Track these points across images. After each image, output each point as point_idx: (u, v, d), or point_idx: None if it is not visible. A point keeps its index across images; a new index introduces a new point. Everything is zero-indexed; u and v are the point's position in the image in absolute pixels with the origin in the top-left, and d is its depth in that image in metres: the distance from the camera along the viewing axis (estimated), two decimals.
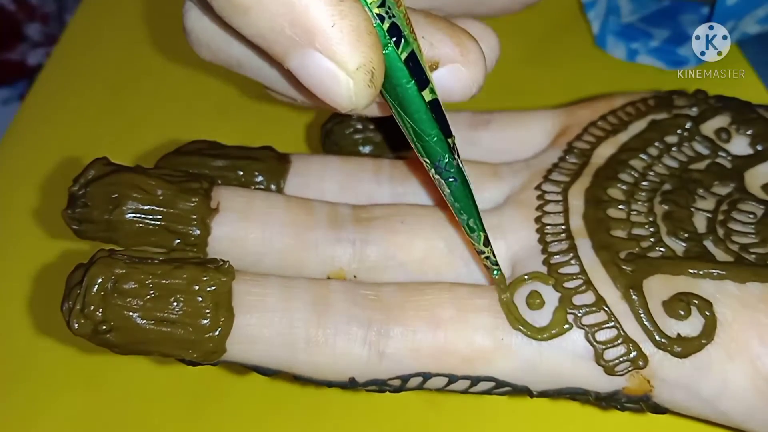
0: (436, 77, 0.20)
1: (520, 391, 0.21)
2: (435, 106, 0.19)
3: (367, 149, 0.28)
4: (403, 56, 0.18)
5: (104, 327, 0.19)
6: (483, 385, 0.21)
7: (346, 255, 0.23)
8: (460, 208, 0.20)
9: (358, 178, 0.25)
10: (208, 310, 0.20)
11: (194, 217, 0.22)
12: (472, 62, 0.20)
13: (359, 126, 0.28)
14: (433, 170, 0.20)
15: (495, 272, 0.21)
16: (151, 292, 0.20)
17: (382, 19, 0.17)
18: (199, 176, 0.23)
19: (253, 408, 0.27)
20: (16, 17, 0.64)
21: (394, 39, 0.18)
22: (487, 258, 0.21)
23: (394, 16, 0.17)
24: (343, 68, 0.17)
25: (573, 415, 0.26)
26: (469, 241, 0.21)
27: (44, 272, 0.32)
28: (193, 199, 0.22)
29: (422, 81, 0.18)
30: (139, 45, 0.41)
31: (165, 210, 0.22)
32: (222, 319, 0.20)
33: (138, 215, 0.22)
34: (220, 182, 0.24)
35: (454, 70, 0.20)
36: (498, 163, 0.25)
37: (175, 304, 0.20)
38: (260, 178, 0.25)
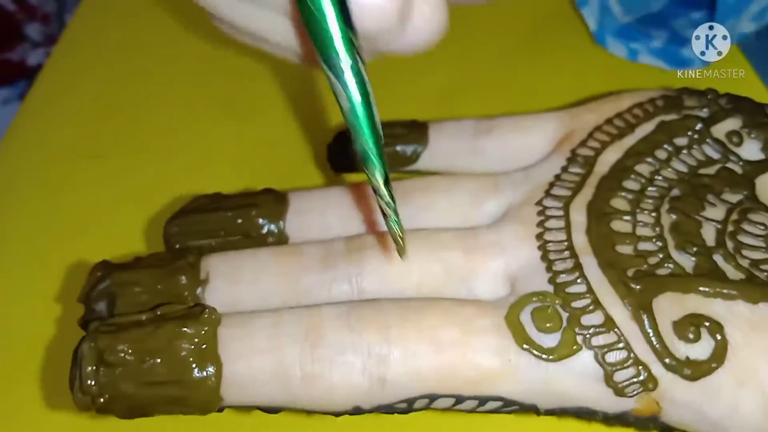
0: None
1: (527, 409, 0.21)
2: None
3: None
4: None
5: (101, 399, 0.19)
6: (491, 405, 0.20)
7: (344, 292, 0.22)
8: (359, 126, 0.18)
9: (359, 206, 0.24)
10: (194, 365, 0.19)
11: (186, 293, 0.22)
12: None
13: None
14: (330, 72, 0.18)
15: (393, 222, 0.19)
16: (135, 357, 0.20)
17: None
18: (185, 251, 0.23)
19: None
20: (16, 17, 0.64)
21: None
22: (386, 203, 0.19)
23: None
24: None
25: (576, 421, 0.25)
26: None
27: (44, 268, 0.32)
28: (182, 278, 0.22)
29: None
30: (138, 45, 0.41)
31: (160, 296, 0.22)
32: (210, 371, 0.20)
33: (136, 307, 0.22)
34: (218, 240, 0.24)
35: None
36: (499, 173, 0.25)
37: (160, 365, 0.19)
38: (261, 222, 0.25)
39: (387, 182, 0.19)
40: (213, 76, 0.39)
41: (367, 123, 0.18)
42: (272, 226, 0.25)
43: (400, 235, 0.20)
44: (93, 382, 0.19)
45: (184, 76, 0.39)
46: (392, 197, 0.19)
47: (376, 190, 0.19)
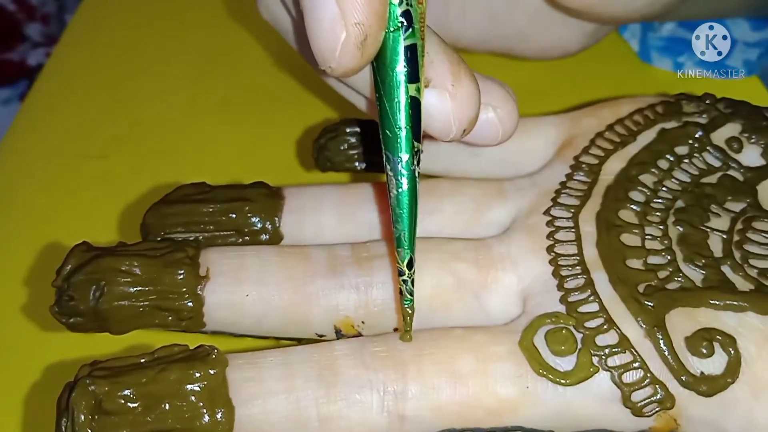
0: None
1: None
2: (415, 106, 0.19)
3: (363, 165, 0.27)
4: (406, 43, 0.18)
5: None
6: None
7: (351, 302, 0.21)
8: (399, 215, 0.19)
9: (355, 207, 0.24)
10: (204, 409, 0.18)
11: (184, 289, 0.21)
12: (460, 98, 0.20)
13: (353, 141, 0.27)
14: (389, 165, 0.19)
15: (407, 301, 0.20)
16: (140, 403, 0.18)
17: (399, 1, 0.18)
18: (183, 244, 0.22)
19: None
20: (16, 17, 0.64)
21: (404, 24, 0.18)
22: (405, 282, 0.20)
23: (411, 5, 0.18)
24: (343, 19, 0.17)
25: None
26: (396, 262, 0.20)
27: (44, 270, 0.32)
28: (180, 271, 0.21)
29: (413, 75, 0.19)
30: (138, 45, 0.41)
31: (153, 288, 0.21)
32: (221, 414, 0.19)
33: (126, 300, 0.21)
34: (206, 235, 0.23)
35: (440, 96, 0.19)
36: (502, 178, 0.24)
37: (167, 410, 0.18)
38: (255, 219, 0.24)
39: (411, 266, 0.20)
40: (213, 76, 0.39)
41: (408, 213, 0.19)
42: (267, 223, 0.24)
43: (410, 315, 0.20)
44: None
45: (184, 76, 0.39)
46: (413, 282, 0.20)
47: (400, 272, 0.20)
